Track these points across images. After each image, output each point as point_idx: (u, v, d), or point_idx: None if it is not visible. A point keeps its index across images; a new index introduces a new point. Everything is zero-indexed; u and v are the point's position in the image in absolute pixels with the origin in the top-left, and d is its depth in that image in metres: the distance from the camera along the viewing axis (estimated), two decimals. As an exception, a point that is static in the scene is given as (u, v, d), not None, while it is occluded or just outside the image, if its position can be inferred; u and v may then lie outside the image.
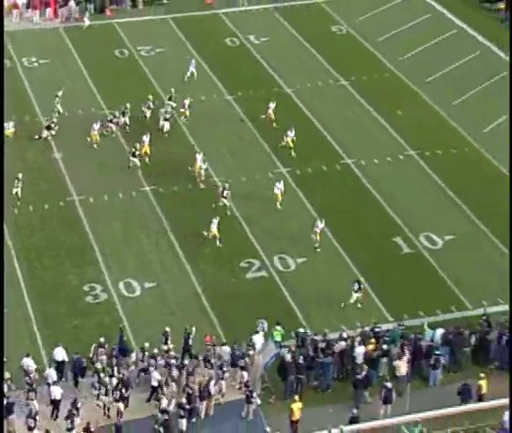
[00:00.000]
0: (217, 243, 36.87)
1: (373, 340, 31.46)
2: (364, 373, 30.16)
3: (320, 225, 36.93)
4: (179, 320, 32.89)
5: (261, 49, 53.48)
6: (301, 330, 32.24)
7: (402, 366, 30.64)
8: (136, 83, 49.21)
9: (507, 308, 33.85)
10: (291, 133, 43.35)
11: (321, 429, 28.01)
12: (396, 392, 29.82)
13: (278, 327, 31.95)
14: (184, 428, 28.63)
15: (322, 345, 31.29)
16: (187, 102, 45.93)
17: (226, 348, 31.31)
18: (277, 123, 45.01)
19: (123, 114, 44.71)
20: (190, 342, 31.23)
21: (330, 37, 55.39)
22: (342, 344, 31.34)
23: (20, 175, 39.24)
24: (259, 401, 29.60)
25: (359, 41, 54.76)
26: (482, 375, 30.02)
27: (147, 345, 31.21)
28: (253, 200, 40.27)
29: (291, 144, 43.23)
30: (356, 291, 34.20)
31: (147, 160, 42.04)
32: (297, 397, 29.28)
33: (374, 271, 36.14)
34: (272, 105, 45.56)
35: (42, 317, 33.35)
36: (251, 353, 30.92)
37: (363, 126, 46.18)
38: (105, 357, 30.52)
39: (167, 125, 44.44)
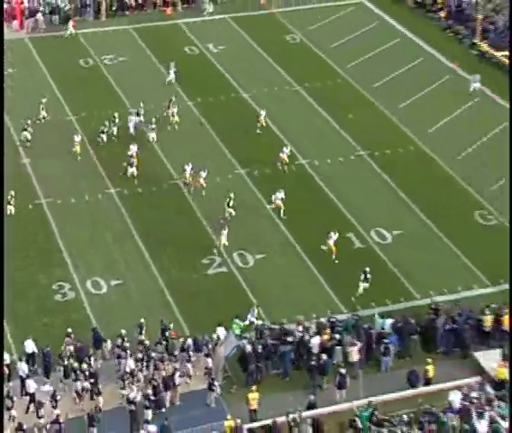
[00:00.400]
0: (224, 254, 36.54)
1: (328, 330, 31.68)
2: (322, 361, 30.36)
3: (334, 236, 36.28)
4: (144, 316, 32.80)
5: (220, 57, 53.57)
6: (259, 322, 32.36)
7: (354, 353, 30.92)
8: (101, 90, 49.13)
9: (453, 297, 34.30)
10: (286, 150, 42.64)
11: (280, 415, 28.14)
12: (349, 378, 30.07)
13: (237, 321, 32.09)
14: (149, 419, 28.62)
15: (280, 334, 31.52)
16: (175, 110, 45.73)
17: (189, 340, 31.37)
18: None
19: (114, 123, 44.46)
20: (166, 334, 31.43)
21: (284, 45, 55.62)
22: (299, 333, 31.52)
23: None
24: (219, 390, 29.66)
25: (312, 49, 55.06)
26: (429, 361, 30.38)
27: (124, 331, 31.25)
28: (213, 200, 40.31)
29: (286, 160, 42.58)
30: (363, 281, 34.44)
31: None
32: (254, 387, 29.42)
33: (329, 266, 36.40)
34: (263, 113, 45.52)
35: (13, 316, 33.10)
36: (214, 344, 31.03)
37: (317, 129, 46.49)
38: (71, 347, 30.39)
39: (152, 135, 44.17)
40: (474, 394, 28.45)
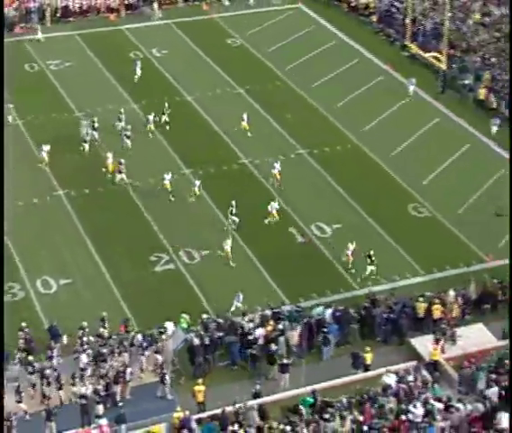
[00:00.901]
0: (230, 263, 35.99)
1: (272, 322, 31.77)
2: (268, 351, 30.47)
3: (351, 247, 35.98)
4: (95, 313, 32.46)
5: (163, 61, 53.24)
6: (204, 316, 32.28)
7: (294, 337, 31.10)
8: (47, 95, 48.42)
9: (390, 286, 34.69)
10: (277, 165, 41.91)
11: (228, 405, 28.14)
12: (292, 366, 30.20)
13: (184, 315, 31.98)
14: (100, 413, 28.32)
15: (226, 326, 31.55)
16: (151, 117, 45.19)
17: (139, 336, 31.16)
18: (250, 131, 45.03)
19: (93, 127, 43.84)
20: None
21: (226, 49, 55.55)
22: (245, 325, 31.57)
23: None
24: (169, 382, 29.57)
25: (252, 53, 55.10)
26: (368, 349, 30.66)
27: (85, 323, 30.99)
28: (161, 199, 40.04)
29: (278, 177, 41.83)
30: (370, 264, 34.79)
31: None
32: (200, 381, 29.35)
33: (273, 260, 36.47)
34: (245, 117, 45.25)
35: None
36: (163, 337, 30.89)
37: (258, 129, 46.50)
38: (22, 341, 30.04)
39: (128, 142, 43.63)
40: (410, 378, 28.80)
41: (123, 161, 41.39)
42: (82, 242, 37.32)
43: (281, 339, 31.18)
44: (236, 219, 38.20)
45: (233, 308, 32.89)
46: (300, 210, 39.81)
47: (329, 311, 32.36)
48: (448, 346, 31.08)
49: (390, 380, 28.58)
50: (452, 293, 32.99)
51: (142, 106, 47.85)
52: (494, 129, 44.79)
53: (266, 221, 37.26)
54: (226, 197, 40.23)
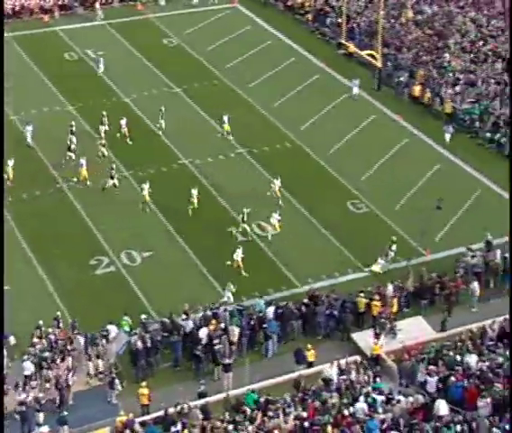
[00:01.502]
0: (243, 273, 35.60)
1: (214, 321, 31.92)
2: (212, 350, 30.59)
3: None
4: (35, 318, 32.12)
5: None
6: (143, 316, 32.15)
7: (235, 332, 31.30)
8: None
9: (330, 283, 35.11)
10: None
11: (172, 406, 28.18)
12: (235, 362, 30.38)
13: (126, 318, 31.90)
14: (41, 421, 28.00)
15: (169, 327, 31.60)
16: (123, 122, 44.72)
17: (81, 339, 30.97)
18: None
19: (71, 132, 43.32)
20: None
21: (162, 49, 55.44)
22: (190, 324, 31.61)
23: None
24: (120, 387, 29.46)
25: (189, 52, 55.11)
26: (309, 346, 31.01)
27: (41, 322, 30.86)
28: (100, 201, 39.80)
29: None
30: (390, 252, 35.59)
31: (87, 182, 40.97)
32: (143, 383, 29.30)
33: (214, 259, 36.57)
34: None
35: None
36: (105, 341, 30.77)
37: (197, 129, 46.59)
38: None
39: (103, 150, 43.10)
40: (352, 372, 29.26)
41: (114, 165, 41.09)
42: (20, 247, 36.86)
43: (224, 338, 31.33)
44: (247, 228, 37.80)
45: (225, 299, 33.05)
46: (241, 210, 39.95)
47: (271, 308, 32.58)
48: (388, 340, 31.63)
49: (332, 373, 28.99)
50: (390, 288, 33.60)
51: (79, 109, 47.45)
52: (447, 137, 44.43)
53: (232, 231, 37.59)
54: (167, 198, 40.24)
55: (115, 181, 40.67)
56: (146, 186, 39.17)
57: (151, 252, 36.92)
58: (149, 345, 30.73)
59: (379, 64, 51.34)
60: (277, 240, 38.08)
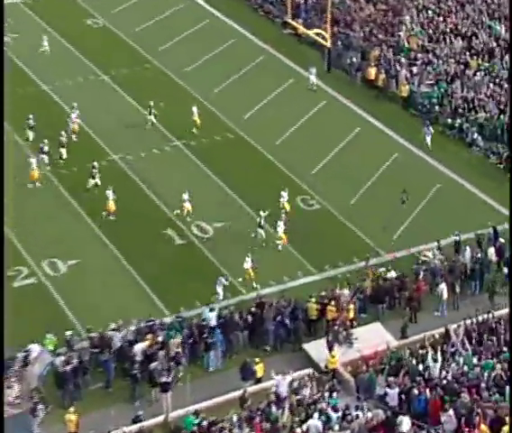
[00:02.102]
0: (254, 284, 35.27)
1: (150, 335, 31.68)
2: (148, 369, 30.38)
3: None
4: None
5: (14, 46, 52.06)
6: (68, 333, 31.89)
7: (175, 345, 31.25)
8: None
9: (279, 288, 35.24)
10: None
11: (103, 433, 27.95)
12: (174, 380, 30.23)
13: (49, 336, 31.44)
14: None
15: (98, 343, 31.27)
16: (74, 115, 44.32)
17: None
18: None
19: (31, 127, 43.00)
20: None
21: (86, 30, 54.87)
22: (118, 336, 31.31)
23: None
24: (41, 414, 29.03)
25: (116, 34, 54.66)
26: (257, 360, 30.95)
27: None
28: (21, 208, 39.28)
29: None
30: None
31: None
32: (71, 408, 28.94)
33: (150, 266, 36.31)
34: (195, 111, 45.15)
35: None
36: (24, 364, 30.25)
37: (129, 121, 46.15)
38: None
39: (63, 151, 42.82)
40: (305, 387, 29.33)
41: (96, 164, 40.78)
42: None
43: (161, 354, 31.12)
44: (263, 234, 37.59)
45: (217, 297, 33.24)
46: (177, 209, 39.79)
47: (212, 315, 32.48)
48: (344, 350, 31.81)
49: (282, 389, 29.03)
50: (346, 292, 33.78)
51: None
52: (428, 139, 44.32)
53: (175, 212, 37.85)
54: (94, 199, 39.78)
55: (97, 180, 40.40)
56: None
57: (77, 259, 36.47)
58: (76, 365, 30.34)
59: (328, 44, 51.62)
60: (218, 242, 37.99)
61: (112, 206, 38.88)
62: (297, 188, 41.60)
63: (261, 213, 37.88)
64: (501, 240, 36.78)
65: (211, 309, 32.80)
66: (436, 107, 47.63)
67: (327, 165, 43.51)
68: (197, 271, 36.20)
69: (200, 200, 40.25)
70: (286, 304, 33.43)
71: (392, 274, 34.82)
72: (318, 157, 43.90)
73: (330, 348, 31.27)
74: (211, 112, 47.51)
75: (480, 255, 35.93)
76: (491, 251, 36.26)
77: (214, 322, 32.37)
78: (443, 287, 34.31)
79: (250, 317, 32.89)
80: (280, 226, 37.75)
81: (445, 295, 34.26)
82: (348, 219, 39.68)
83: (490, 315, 31.88)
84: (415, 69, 49.70)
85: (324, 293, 34.00)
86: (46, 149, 42.33)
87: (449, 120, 46.72)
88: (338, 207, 40.44)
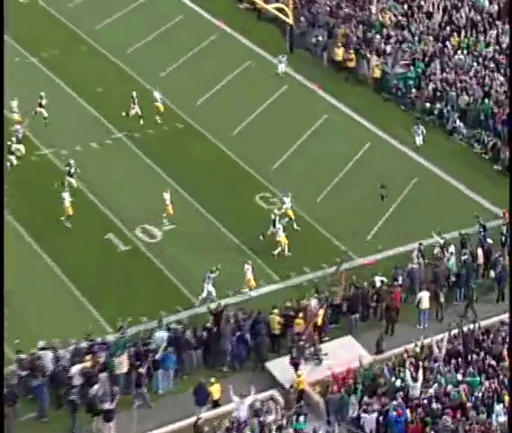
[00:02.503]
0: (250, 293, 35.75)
1: (89, 356, 31.45)
2: (88, 394, 30.18)
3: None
4: None
5: None
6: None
7: (123, 364, 31.13)
8: None
9: (239, 299, 35.25)
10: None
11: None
12: (117, 406, 30.08)
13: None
14: None
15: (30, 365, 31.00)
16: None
17: None
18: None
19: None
20: None
21: (11, 5, 54.29)
22: (49, 358, 31.07)
23: None
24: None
25: (45, 10, 54.32)
26: (213, 380, 30.91)
27: None
28: None
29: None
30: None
31: None
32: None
33: (88, 277, 36.12)
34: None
35: None
36: None
37: (61, 110, 45.81)
38: None
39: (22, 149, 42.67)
40: (268, 410, 29.36)
41: (72, 162, 40.65)
42: None
43: (103, 376, 30.91)
44: (281, 233, 37.73)
45: (203, 294, 34.10)
46: (121, 211, 39.60)
47: (164, 335, 32.39)
48: (312, 367, 31.87)
49: (242, 414, 29.03)
50: (314, 302, 33.83)
51: None
52: (418, 140, 43.97)
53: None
54: (23, 199, 39.43)
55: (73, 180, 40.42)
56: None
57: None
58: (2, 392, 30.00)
59: (290, 20, 51.75)
60: (169, 246, 37.93)
61: (69, 210, 38.60)
62: (255, 185, 41.66)
63: (276, 211, 38.12)
64: (489, 240, 37.11)
65: (159, 326, 32.73)
66: (413, 91, 47.95)
67: (291, 158, 43.63)
68: (144, 281, 36.06)
69: (146, 200, 40.18)
70: (245, 317, 33.37)
71: (377, 280, 34.94)
72: (280, 149, 44.01)
73: (295, 366, 31.28)
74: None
75: (466, 257, 36.09)
76: (480, 252, 36.54)
77: (162, 339, 32.21)
78: (422, 295, 34.50)
79: (205, 334, 32.81)
80: (279, 233, 37.72)
81: (426, 304, 34.43)
82: (315, 219, 39.77)
83: (476, 325, 32.13)
84: (388, 48, 50.00)
85: (288, 304, 33.99)
86: None
87: (427, 105, 47.05)
88: (303, 205, 40.48)
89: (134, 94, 45.17)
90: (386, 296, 34.55)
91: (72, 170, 40.68)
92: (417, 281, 35.44)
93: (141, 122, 44.95)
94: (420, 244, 36.81)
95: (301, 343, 32.22)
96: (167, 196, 38.97)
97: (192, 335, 32.65)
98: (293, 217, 39.16)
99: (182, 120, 45.96)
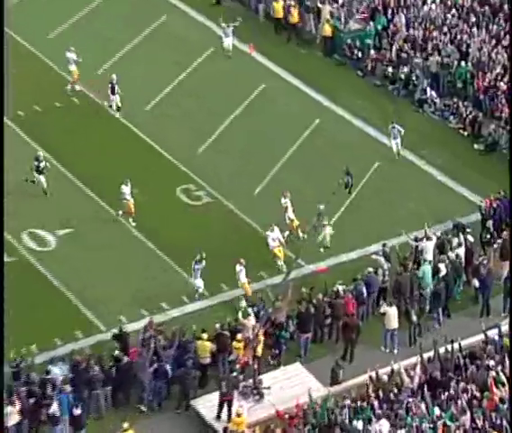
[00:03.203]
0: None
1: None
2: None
3: None
4: None
5: None
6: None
7: (14, 416, 31.01)
8: None
9: (164, 318, 35.20)
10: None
11: None
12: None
13: None
14: None
15: None
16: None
17: None
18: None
19: None
20: None
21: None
22: None
23: None
24: None
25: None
26: (126, 426, 30.69)
27: None
28: None
29: None
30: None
31: None
32: None
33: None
34: None
35: None
36: None
37: None
38: None
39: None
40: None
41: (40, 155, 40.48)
42: None
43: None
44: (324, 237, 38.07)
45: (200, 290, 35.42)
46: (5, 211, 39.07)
47: (57, 370, 32.11)
48: (252, 405, 31.79)
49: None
50: (251, 321, 33.77)
51: None
52: (395, 145, 43.18)
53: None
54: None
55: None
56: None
57: None
58: None
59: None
60: (65, 256, 37.74)
61: None
62: (176, 175, 41.72)
63: (321, 206, 38.22)
64: (470, 238, 37.31)
65: (52, 361, 32.54)
66: (372, 52, 48.10)
67: (220, 140, 43.70)
68: (33, 301, 35.80)
69: (35, 197, 40.08)
70: (167, 344, 33.18)
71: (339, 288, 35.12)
72: (207, 130, 44.02)
73: (228, 403, 31.14)
74: (47, 67, 47.28)
75: (443, 273, 36.10)
76: (460, 252, 36.73)
77: (58, 377, 31.96)
78: (387, 310, 34.68)
79: (115, 366, 32.53)
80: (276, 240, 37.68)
81: (393, 323, 34.57)
82: (251, 216, 39.79)
83: (456, 345, 32.22)
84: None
85: (220, 324, 33.84)
86: None
87: (389, 69, 47.21)
88: (237, 199, 40.57)
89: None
90: (341, 308, 34.60)
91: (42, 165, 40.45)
92: (373, 291, 35.61)
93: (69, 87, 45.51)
94: (384, 245, 36.97)
95: (234, 374, 32.16)
96: (126, 189, 38.84)
97: (98, 368, 32.32)
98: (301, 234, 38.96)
99: (80, 94, 45.85)
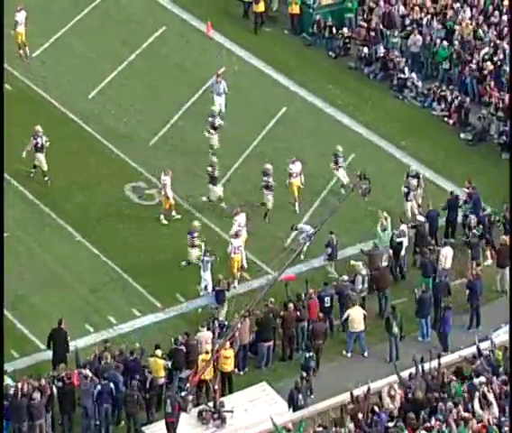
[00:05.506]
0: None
1: None
2: None
3: None
4: None
5: None
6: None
7: None
8: None
9: (100, 337, 35.09)
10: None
11: None
12: None
13: None
14: None
15: None
16: None
17: None
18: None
19: None
20: None
21: None
22: None
23: None
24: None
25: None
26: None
27: None
28: None
29: None
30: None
31: None
32: None
33: None
34: None
35: None
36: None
37: None
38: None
39: None
40: None
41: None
42: None
43: None
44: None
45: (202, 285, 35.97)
46: None
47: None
48: (211, 430, 31.76)
49: None
50: (207, 334, 33.85)
51: None
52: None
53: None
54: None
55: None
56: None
57: None
58: None
59: None
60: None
61: None
62: (124, 171, 41.80)
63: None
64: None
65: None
66: (345, 30, 48.20)
67: (174, 130, 43.81)
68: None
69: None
70: (114, 363, 33.11)
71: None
72: (158, 119, 44.17)
73: (171, 426, 31.19)
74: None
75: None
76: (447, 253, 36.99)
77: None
78: (349, 312, 34.96)
79: (55, 389, 32.46)
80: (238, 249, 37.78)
81: (359, 325, 34.87)
82: (211, 218, 39.87)
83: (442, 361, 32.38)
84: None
85: (177, 338, 33.84)
86: None
87: (365, 50, 47.31)
88: (194, 197, 40.61)
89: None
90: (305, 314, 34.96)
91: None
92: (345, 300, 35.81)
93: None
94: (361, 250, 37.48)
95: (182, 393, 32.19)
96: (167, 179, 38.99)
97: (38, 393, 32.17)
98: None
99: (13, 78, 46.01)
